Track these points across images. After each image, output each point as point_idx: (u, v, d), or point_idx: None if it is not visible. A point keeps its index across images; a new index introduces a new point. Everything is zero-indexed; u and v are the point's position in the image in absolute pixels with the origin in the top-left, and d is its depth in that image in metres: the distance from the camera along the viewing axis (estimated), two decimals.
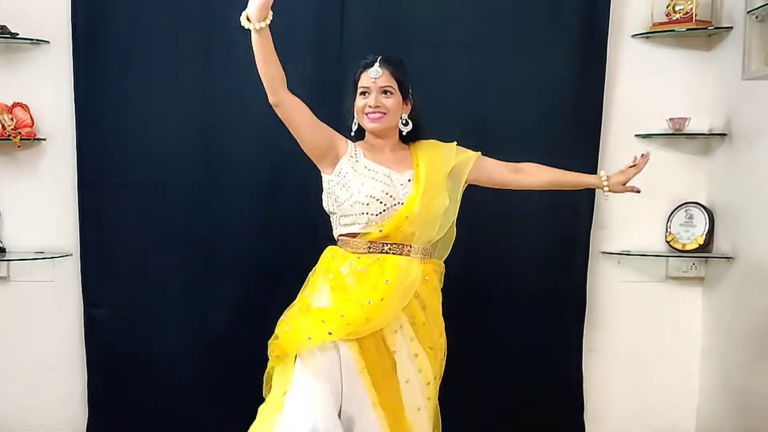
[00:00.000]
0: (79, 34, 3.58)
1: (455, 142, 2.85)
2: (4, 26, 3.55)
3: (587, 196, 3.66)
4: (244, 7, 2.83)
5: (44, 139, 3.67)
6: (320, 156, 2.73)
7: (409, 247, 2.68)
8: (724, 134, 3.59)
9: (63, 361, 3.77)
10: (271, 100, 2.60)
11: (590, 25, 3.61)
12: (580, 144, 3.64)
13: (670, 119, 3.64)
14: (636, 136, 3.71)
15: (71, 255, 3.70)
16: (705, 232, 3.65)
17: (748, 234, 3.45)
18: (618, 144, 3.70)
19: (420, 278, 2.68)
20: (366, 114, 2.72)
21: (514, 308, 3.67)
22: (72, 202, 3.66)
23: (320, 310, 2.62)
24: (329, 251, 2.76)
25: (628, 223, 3.76)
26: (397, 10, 3.60)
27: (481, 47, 3.60)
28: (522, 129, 3.60)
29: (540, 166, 2.90)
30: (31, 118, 3.61)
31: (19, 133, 3.57)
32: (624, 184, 2.86)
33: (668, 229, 3.74)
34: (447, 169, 2.77)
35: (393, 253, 2.67)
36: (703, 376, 3.78)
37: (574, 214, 3.67)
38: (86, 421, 3.75)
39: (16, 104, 3.61)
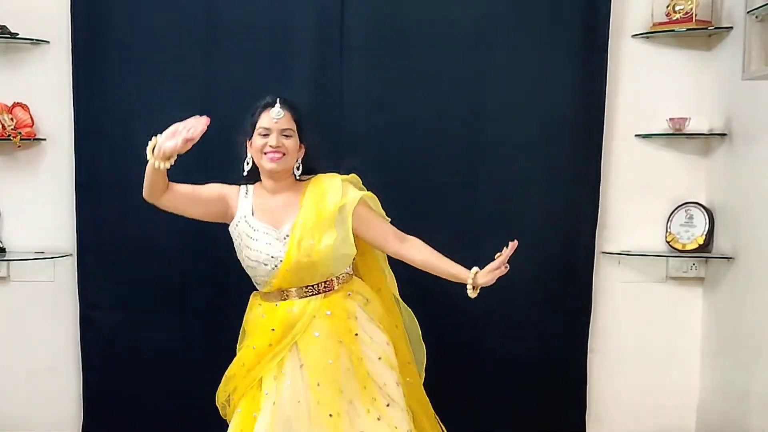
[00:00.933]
0: (79, 34, 3.58)
1: (339, 178, 2.81)
2: (4, 26, 3.55)
3: (590, 197, 3.66)
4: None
5: (44, 139, 3.67)
6: (219, 219, 2.85)
7: (305, 288, 2.74)
8: (724, 134, 3.59)
9: (61, 361, 3.77)
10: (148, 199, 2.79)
11: (590, 25, 3.60)
12: (580, 144, 3.64)
13: (670, 119, 3.64)
14: (636, 136, 3.71)
15: (71, 255, 3.70)
16: (705, 232, 3.65)
17: (748, 234, 3.44)
18: (619, 144, 3.71)
19: (311, 317, 2.71)
20: (265, 153, 2.73)
21: (518, 309, 3.66)
22: (72, 202, 3.67)
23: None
24: (251, 298, 2.88)
25: (628, 223, 3.76)
26: (397, 10, 3.59)
27: (481, 47, 3.59)
28: (522, 129, 3.60)
29: (424, 244, 2.82)
30: (31, 118, 3.62)
31: (19, 133, 3.57)
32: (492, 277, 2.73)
33: (668, 229, 3.73)
34: (332, 207, 2.73)
35: (290, 298, 2.74)
36: (703, 376, 3.78)
37: (577, 215, 3.67)
38: (82, 421, 3.75)
39: (16, 104, 3.61)
